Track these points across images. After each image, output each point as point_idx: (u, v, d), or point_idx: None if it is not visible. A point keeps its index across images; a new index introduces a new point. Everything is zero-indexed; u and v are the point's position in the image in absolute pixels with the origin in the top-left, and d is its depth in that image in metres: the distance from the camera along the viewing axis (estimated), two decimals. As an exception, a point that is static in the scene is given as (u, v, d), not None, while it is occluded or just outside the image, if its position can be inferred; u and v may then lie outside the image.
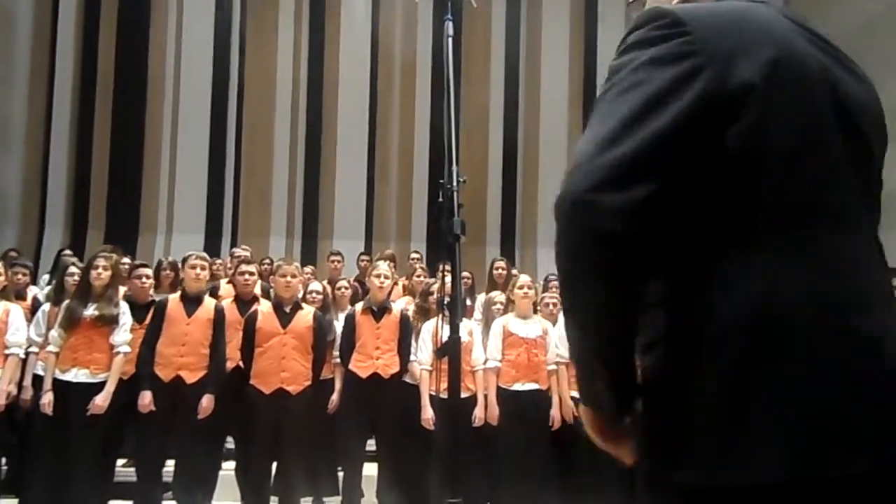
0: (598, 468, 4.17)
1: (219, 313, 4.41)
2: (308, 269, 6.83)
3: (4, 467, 4.86)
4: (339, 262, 6.76)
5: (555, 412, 4.35)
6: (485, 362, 4.42)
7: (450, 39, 2.22)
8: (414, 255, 7.30)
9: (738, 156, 0.84)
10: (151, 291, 4.87)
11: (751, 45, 0.86)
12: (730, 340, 0.81)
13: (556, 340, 4.45)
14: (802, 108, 0.87)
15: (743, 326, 0.81)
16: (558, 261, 0.88)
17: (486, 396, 4.33)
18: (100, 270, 4.32)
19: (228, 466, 4.73)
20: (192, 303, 4.36)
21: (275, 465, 4.32)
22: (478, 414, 4.26)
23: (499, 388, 4.36)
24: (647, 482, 0.88)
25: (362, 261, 7.30)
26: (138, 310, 4.46)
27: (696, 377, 0.83)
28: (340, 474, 4.52)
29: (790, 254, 0.83)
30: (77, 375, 4.17)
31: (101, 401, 4.10)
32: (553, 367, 4.43)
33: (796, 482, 0.77)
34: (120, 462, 4.94)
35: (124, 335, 4.30)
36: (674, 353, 0.86)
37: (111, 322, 4.27)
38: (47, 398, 4.10)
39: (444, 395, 2.42)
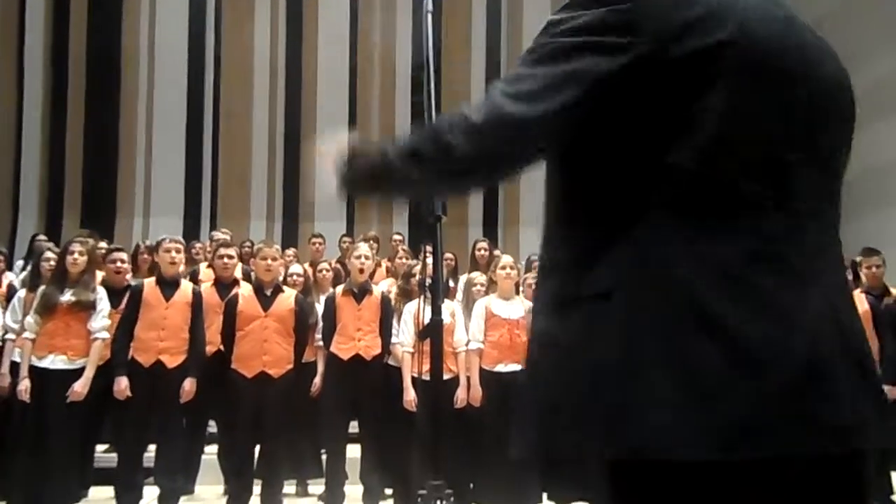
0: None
1: (197, 297, 4.37)
2: (289, 251, 6.79)
3: (-17, 455, 4.81)
4: (320, 244, 6.72)
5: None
6: (467, 344, 4.42)
7: (429, 16, 2.17)
8: (396, 237, 7.28)
9: (672, 121, 0.82)
10: (129, 276, 4.81)
11: (707, 16, 0.83)
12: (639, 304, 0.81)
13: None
14: (758, 81, 0.84)
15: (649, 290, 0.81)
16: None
17: (468, 378, 4.34)
18: (76, 256, 4.25)
19: (211, 450, 4.72)
20: (168, 287, 4.31)
21: (258, 448, 4.31)
22: (460, 395, 4.27)
23: (481, 370, 4.37)
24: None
25: (344, 243, 7.26)
26: (115, 295, 4.40)
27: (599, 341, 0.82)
28: (324, 457, 4.52)
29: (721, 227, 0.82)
30: (54, 362, 4.12)
31: (79, 387, 4.06)
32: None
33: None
34: (101, 448, 4.92)
35: (102, 321, 4.25)
36: (584, 318, 0.85)
37: (88, 308, 4.21)
38: (24, 385, 4.05)
39: (427, 377, 2.42)
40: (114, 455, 4.45)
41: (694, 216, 0.81)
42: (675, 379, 0.76)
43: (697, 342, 0.77)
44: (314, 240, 6.77)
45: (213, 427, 4.92)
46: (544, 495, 4.36)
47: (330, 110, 9.54)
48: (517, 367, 4.37)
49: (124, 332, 4.19)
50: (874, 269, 4.74)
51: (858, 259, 4.83)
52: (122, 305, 4.40)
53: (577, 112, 0.84)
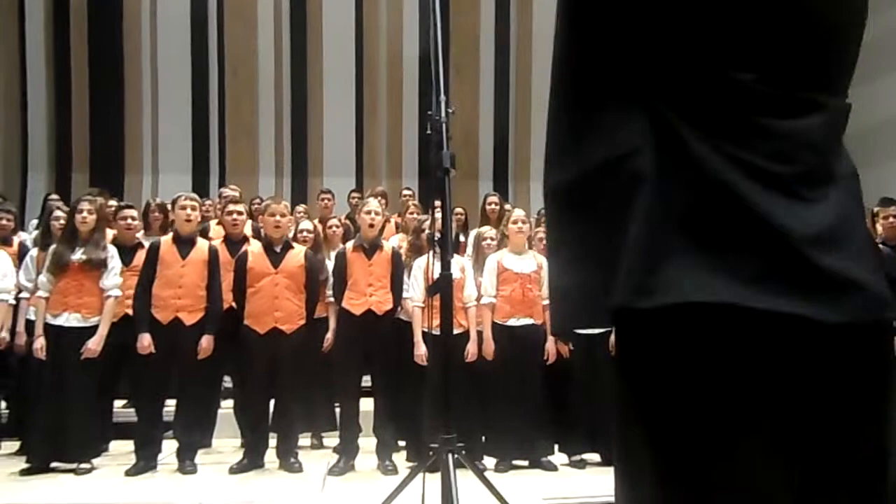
0: (592, 402, 4.24)
1: (213, 254, 4.38)
2: (299, 207, 6.76)
3: (6, 411, 4.92)
4: (329, 200, 6.68)
5: (550, 346, 4.38)
6: (479, 298, 4.42)
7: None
8: (406, 192, 7.22)
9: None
10: (140, 234, 4.81)
11: None
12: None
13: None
14: None
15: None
16: None
17: (479, 332, 4.34)
18: (84, 214, 4.25)
19: (227, 405, 4.80)
20: (184, 245, 4.31)
21: (272, 402, 4.37)
22: (470, 349, 4.28)
23: (494, 324, 4.37)
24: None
25: (353, 198, 7.22)
26: (126, 252, 4.42)
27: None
28: (337, 410, 4.58)
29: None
30: (69, 320, 4.17)
31: (93, 345, 4.11)
32: (548, 301, 4.42)
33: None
34: (119, 403, 5.01)
35: (114, 279, 4.28)
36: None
37: (99, 266, 4.24)
38: (39, 343, 4.11)
39: (437, 332, 2.41)
40: (132, 410, 4.53)
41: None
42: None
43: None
44: (323, 196, 6.73)
45: (228, 382, 4.99)
46: (556, 448, 4.41)
47: (336, 63, 9.39)
48: (529, 321, 4.37)
49: (144, 289, 4.22)
50: (891, 220, 4.65)
51: (875, 209, 4.73)
52: (134, 263, 4.42)
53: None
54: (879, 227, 4.68)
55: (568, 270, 0.84)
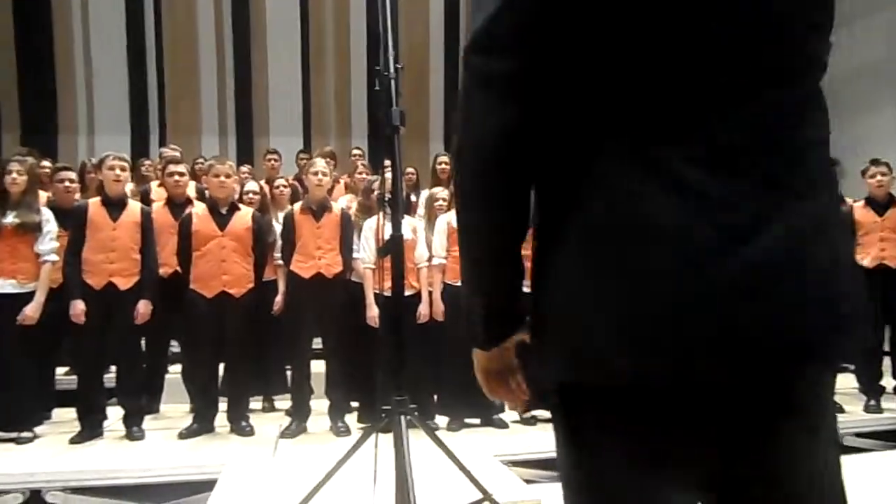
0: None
1: (145, 217, 4.22)
2: (244, 168, 6.59)
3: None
4: (276, 160, 6.52)
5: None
6: (429, 259, 4.40)
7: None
8: (355, 152, 7.10)
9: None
10: (77, 196, 4.61)
11: None
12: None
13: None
14: None
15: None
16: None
17: (430, 293, 4.34)
18: (14, 175, 4.04)
19: (175, 370, 4.71)
20: (115, 207, 4.13)
21: (222, 366, 4.30)
22: (422, 310, 4.29)
23: (445, 284, 4.37)
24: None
25: (301, 159, 7.07)
26: (65, 216, 4.22)
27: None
28: (289, 373, 4.54)
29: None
30: (3, 286, 4.00)
31: (30, 311, 3.96)
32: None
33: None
34: (62, 370, 4.87)
35: (50, 243, 4.11)
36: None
37: (34, 230, 4.06)
38: (-28, 310, 3.93)
39: (388, 293, 2.39)
40: (75, 377, 4.40)
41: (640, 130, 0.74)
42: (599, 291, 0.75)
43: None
44: (270, 156, 6.57)
45: (176, 347, 4.89)
46: (506, 405, 4.48)
47: (281, 17, 9.07)
48: (480, 280, 4.39)
49: (73, 254, 4.04)
50: (879, 178, 4.61)
51: (863, 168, 4.78)
52: (73, 227, 4.24)
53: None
54: (867, 186, 4.70)
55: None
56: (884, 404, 4.66)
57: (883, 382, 4.72)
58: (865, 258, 4.49)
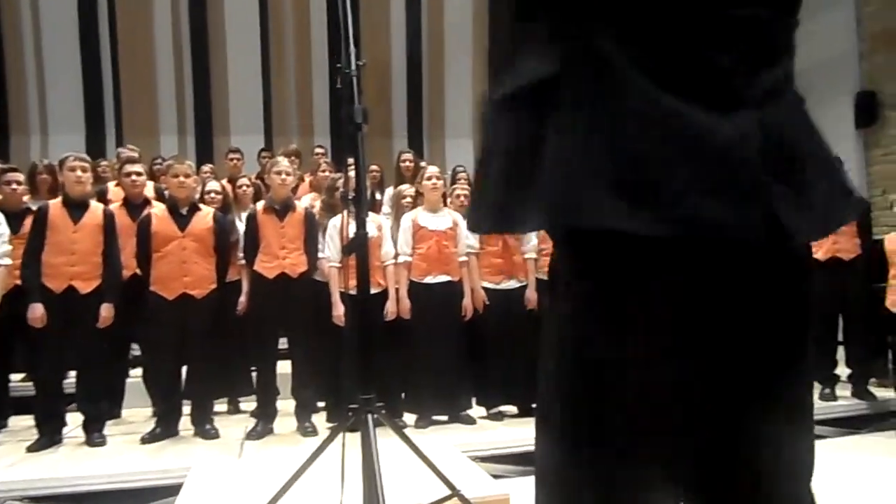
0: (508, 357, 4.33)
1: (108, 218, 4.12)
2: (205, 167, 6.48)
3: None
4: (238, 159, 6.43)
5: (466, 302, 4.43)
6: (395, 256, 4.40)
7: None
8: (318, 150, 7.05)
9: None
10: (26, 198, 4.49)
11: None
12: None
13: (467, 231, 4.47)
14: None
15: None
16: None
17: (397, 290, 4.34)
18: (-37, 177, 3.91)
19: (137, 374, 4.62)
20: (76, 208, 4.03)
21: (185, 369, 4.23)
22: (389, 308, 4.28)
23: (411, 282, 4.37)
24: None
25: (263, 157, 6.99)
26: (12, 218, 4.11)
27: None
28: (254, 374, 4.49)
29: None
30: (-46, 291, 3.86)
31: (-15, 317, 3.84)
32: (464, 258, 4.46)
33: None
34: (17, 377, 4.73)
35: (3, 246, 3.99)
36: None
37: (-15, 233, 3.93)
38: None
39: (354, 292, 2.38)
40: (31, 384, 4.28)
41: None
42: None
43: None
44: (231, 155, 6.47)
45: (137, 350, 4.79)
46: (473, 401, 4.51)
47: (239, 13, 8.92)
48: (446, 277, 4.40)
49: (32, 257, 3.93)
50: None
51: None
52: (23, 230, 4.12)
53: None
54: None
55: (493, 178, 0.80)
56: (837, 392, 4.82)
57: (837, 371, 4.87)
58: (818, 251, 4.63)
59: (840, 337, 4.97)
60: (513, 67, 0.79)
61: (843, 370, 4.95)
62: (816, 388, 4.80)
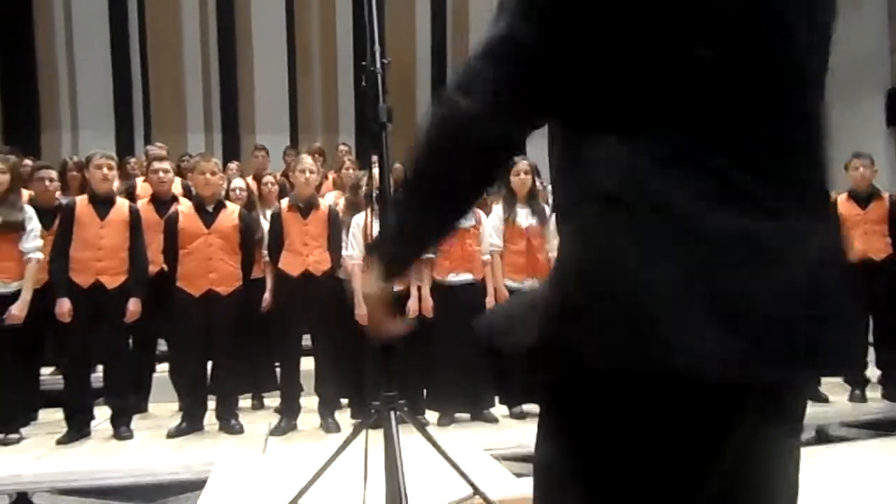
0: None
1: (134, 214, 4.18)
2: (231, 164, 6.56)
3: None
4: (263, 156, 6.50)
5: (489, 301, 4.42)
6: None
7: None
8: (343, 148, 7.09)
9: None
10: (58, 194, 4.57)
11: None
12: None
13: (490, 230, 4.45)
14: None
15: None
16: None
17: (419, 288, 4.34)
18: (-3, 174, 4.00)
19: (163, 369, 4.68)
20: (103, 205, 4.10)
21: (210, 365, 4.28)
22: (411, 306, 4.28)
23: (433, 280, 4.37)
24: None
25: (288, 155, 7.04)
26: (45, 214, 4.19)
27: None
28: (278, 370, 4.53)
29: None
30: (-12, 286, 3.95)
31: (17, 310, 3.92)
32: (487, 256, 4.45)
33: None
34: (47, 371, 4.82)
35: (34, 241, 4.07)
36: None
37: (17, 228, 4.02)
38: (-43, 310, 3.89)
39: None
40: (61, 377, 4.36)
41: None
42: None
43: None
44: (257, 152, 6.54)
45: (163, 345, 4.86)
46: (496, 400, 4.49)
47: (266, 12, 9.00)
48: (469, 276, 4.39)
49: (59, 252, 4.01)
50: (861, 170, 4.63)
51: (846, 162, 4.81)
52: (55, 225, 4.20)
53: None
54: (849, 179, 4.71)
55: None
56: (868, 394, 4.72)
57: (867, 373, 4.78)
58: (850, 252, 4.53)
59: (870, 338, 4.86)
60: (578, 170, 0.77)
61: (873, 372, 4.85)
62: (846, 391, 4.71)
